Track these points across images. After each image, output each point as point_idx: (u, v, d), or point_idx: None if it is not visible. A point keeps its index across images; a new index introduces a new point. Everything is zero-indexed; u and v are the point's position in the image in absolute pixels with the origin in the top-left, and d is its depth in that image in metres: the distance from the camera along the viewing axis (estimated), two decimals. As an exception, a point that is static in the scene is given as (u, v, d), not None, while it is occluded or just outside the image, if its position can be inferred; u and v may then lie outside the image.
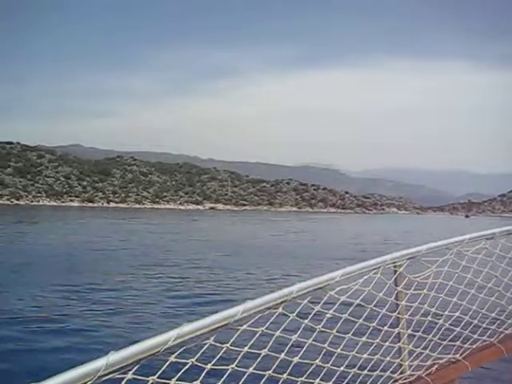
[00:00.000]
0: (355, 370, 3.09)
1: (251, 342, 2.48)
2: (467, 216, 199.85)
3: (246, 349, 2.47)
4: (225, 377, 2.34)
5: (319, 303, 2.81)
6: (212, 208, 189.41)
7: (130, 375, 1.96)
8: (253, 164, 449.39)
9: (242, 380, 2.44)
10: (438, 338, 3.54)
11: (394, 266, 3.26)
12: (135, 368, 1.97)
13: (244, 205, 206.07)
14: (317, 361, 2.84)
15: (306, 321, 2.76)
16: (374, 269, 3.08)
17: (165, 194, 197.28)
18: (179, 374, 2.15)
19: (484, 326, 3.79)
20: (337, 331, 2.97)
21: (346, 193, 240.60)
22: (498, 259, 3.79)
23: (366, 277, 3.02)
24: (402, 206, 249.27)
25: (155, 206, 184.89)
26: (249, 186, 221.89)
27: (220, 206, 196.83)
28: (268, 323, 2.52)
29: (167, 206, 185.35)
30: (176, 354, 2.10)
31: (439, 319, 3.55)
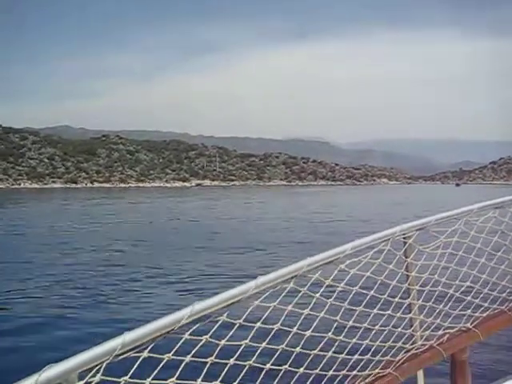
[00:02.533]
0: (367, 341, 3.12)
1: (264, 317, 2.52)
2: (458, 185, 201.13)
3: (258, 324, 2.49)
4: (239, 352, 2.37)
5: (330, 277, 2.81)
6: (199, 184, 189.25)
7: (145, 354, 1.99)
8: (242, 139, 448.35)
9: (256, 354, 2.47)
10: (449, 308, 3.58)
11: (404, 238, 3.27)
12: (150, 346, 2.00)
13: (232, 180, 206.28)
14: (329, 334, 2.87)
15: (317, 295, 2.78)
16: (384, 241, 3.09)
17: (151, 171, 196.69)
18: (194, 351, 2.18)
19: (494, 294, 3.82)
20: (348, 304, 2.99)
21: (336, 165, 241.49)
22: (508, 228, 3.81)
23: (375, 249, 3.03)
24: (393, 177, 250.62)
25: (140, 184, 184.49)
26: (237, 161, 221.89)
27: (207, 182, 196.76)
28: (280, 298, 2.55)
29: (153, 185, 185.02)
30: (190, 331, 2.12)
31: (449, 289, 3.58)
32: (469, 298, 3.69)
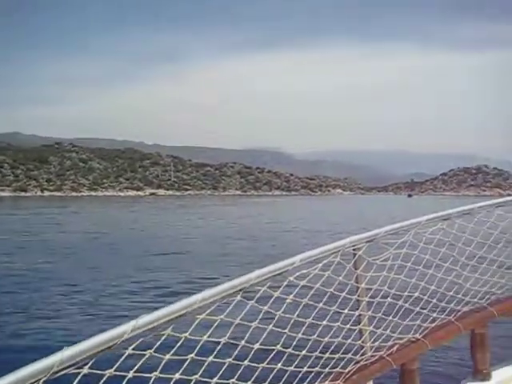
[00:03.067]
0: (317, 353, 3.13)
1: (210, 330, 2.48)
2: (410, 195, 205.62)
3: (205, 338, 2.45)
4: (184, 366, 2.34)
5: (279, 289, 2.80)
6: (153, 194, 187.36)
7: (85, 370, 1.94)
8: (198, 148, 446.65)
9: (202, 369, 2.42)
10: (398, 319, 3.63)
11: (353, 250, 3.30)
12: (91, 362, 1.95)
13: (187, 189, 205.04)
14: (278, 346, 2.85)
15: (265, 307, 2.76)
16: (333, 253, 3.12)
17: (104, 180, 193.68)
18: (137, 366, 2.13)
19: (442, 304, 3.90)
20: (297, 316, 2.99)
21: (291, 175, 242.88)
22: (455, 239, 3.88)
23: (325, 261, 3.05)
24: (347, 187, 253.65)
25: (93, 193, 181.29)
26: (192, 171, 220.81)
27: (161, 192, 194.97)
28: (227, 311, 2.52)
29: (106, 193, 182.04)
30: (133, 346, 2.08)
31: (399, 300, 3.65)
32: (418, 308, 3.76)
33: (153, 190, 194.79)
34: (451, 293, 3.96)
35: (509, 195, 5.37)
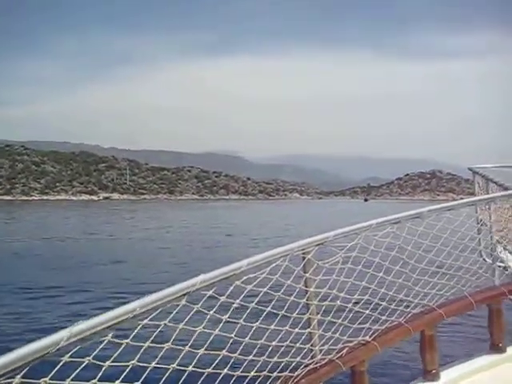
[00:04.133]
0: (264, 357, 3.11)
1: (153, 336, 2.42)
2: (366, 200, 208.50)
3: (147, 343, 2.40)
4: (125, 373, 2.27)
5: (225, 294, 2.77)
6: (107, 198, 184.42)
7: (17, 379, 1.87)
8: (156, 152, 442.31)
9: (144, 375, 2.36)
10: (348, 322, 3.65)
11: (303, 253, 3.29)
12: (24, 371, 1.88)
13: (143, 194, 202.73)
14: (223, 351, 2.82)
15: (211, 312, 2.72)
16: (282, 256, 3.10)
17: (57, 184, 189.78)
18: (74, 374, 2.06)
19: (392, 307, 3.94)
20: (244, 320, 2.97)
21: (248, 179, 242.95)
22: (405, 242, 3.93)
23: (273, 265, 3.03)
24: (304, 191, 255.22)
25: (44, 197, 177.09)
26: (149, 175, 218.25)
27: (116, 196, 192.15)
28: (170, 317, 2.48)
29: (58, 197, 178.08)
30: (70, 353, 2.00)
31: (348, 303, 3.66)
32: (367, 311, 3.79)
33: (107, 194, 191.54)
34: (401, 295, 4.01)
35: (461, 199, 5.51)
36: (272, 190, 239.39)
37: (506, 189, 5.35)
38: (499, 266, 5.06)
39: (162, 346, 2.48)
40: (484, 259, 5.06)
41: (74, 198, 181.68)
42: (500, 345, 4.62)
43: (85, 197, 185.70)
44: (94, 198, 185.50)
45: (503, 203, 5.14)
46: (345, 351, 3.61)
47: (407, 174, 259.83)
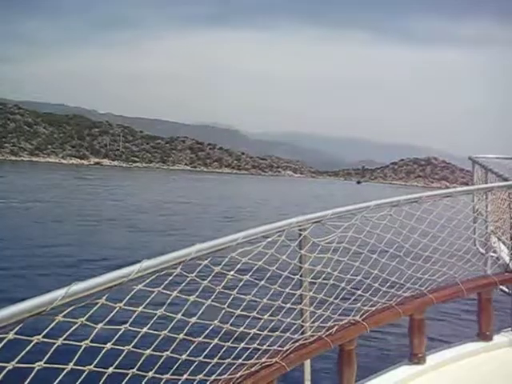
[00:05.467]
0: (255, 330, 3.13)
1: (146, 302, 2.42)
2: (359, 182, 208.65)
3: (140, 308, 2.40)
4: (116, 337, 2.28)
5: (220, 265, 2.78)
6: (98, 163, 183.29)
7: (11, 335, 1.87)
8: (151, 120, 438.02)
9: (135, 340, 2.38)
10: (340, 301, 3.68)
11: (299, 230, 3.31)
12: (18, 327, 1.89)
13: (135, 161, 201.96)
14: (215, 321, 2.83)
15: (205, 282, 2.73)
16: (278, 231, 3.11)
17: (49, 146, 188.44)
18: (66, 334, 2.07)
19: (384, 289, 3.98)
20: (238, 292, 2.97)
21: (242, 153, 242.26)
22: (401, 226, 3.95)
23: (269, 239, 3.04)
24: (298, 170, 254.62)
25: (34, 159, 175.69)
26: (142, 143, 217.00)
27: (107, 162, 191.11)
28: (165, 283, 2.48)
29: (48, 160, 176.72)
30: (64, 313, 2.01)
31: (341, 282, 3.68)
32: (359, 291, 3.83)
33: (98, 160, 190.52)
34: (393, 278, 4.04)
35: (455, 187, 5.53)
36: (266, 166, 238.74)
37: (505, 179, 5.37)
38: (492, 256, 5.11)
39: (155, 312, 2.48)
40: (478, 248, 5.11)
41: (64, 161, 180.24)
42: (487, 333, 4.69)
43: (75, 161, 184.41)
44: (85, 162, 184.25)
45: (500, 194, 5.16)
46: (334, 329, 3.64)
47: (402, 160, 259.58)
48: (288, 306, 3.33)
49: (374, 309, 3.92)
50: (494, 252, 5.23)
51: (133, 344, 2.35)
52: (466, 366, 4.38)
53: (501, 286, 4.90)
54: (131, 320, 2.32)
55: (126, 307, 2.29)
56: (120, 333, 2.30)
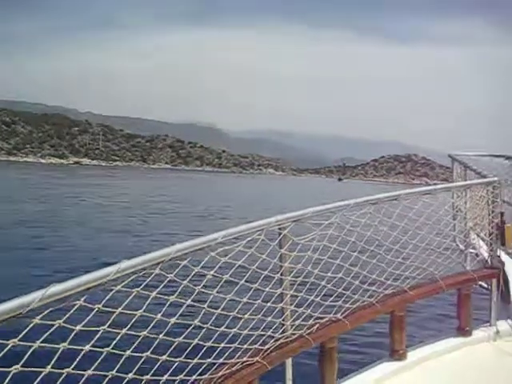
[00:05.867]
0: (235, 329, 3.13)
1: (125, 302, 2.42)
2: (340, 179, 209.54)
3: (119, 309, 2.39)
4: (96, 338, 2.26)
5: (200, 264, 2.78)
6: (77, 163, 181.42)
7: None
8: (131, 119, 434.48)
9: (115, 341, 2.36)
10: (321, 299, 3.69)
11: (279, 228, 3.31)
12: None
13: (115, 160, 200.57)
14: (196, 321, 2.83)
15: (185, 281, 2.72)
16: (258, 230, 3.11)
17: (27, 145, 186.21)
18: (44, 336, 2.05)
19: (364, 286, 4.00)
20: (218, 292, 2.96)
21: (224, 151, 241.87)
22: (381, 224, 3.98)
23: (249, 238, 3.04)
24: (279, 168, 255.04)
25: (12, 158, 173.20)
26: (122, 141, 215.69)
27: (86, 161, 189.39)
28: (144, 285, 2.47)
29: (26, 159, 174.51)
30: (42, 315, 1.98)
31: (322, 280, 3.69)
32: (340, 289, 3.83)
33: (77, 159, 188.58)
34: (374, 276, 4.07)
35: (435, 184, 5.58)
36: (247, 164, 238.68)
37: (484, 177, 5.42)
38: (471, 253, 5.16)
39: (134, 313, 2.47)
40: (457, 245, 5.17)
41: (43, 160, 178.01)
42: (467, 328, 4.74)
43: (54, 160, 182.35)
44: (64, 161, 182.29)
45: (479, 191, 5.21)
46: (315, 327, 3.65)
47: (383, 156, 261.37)
48: (269, 304, 3.33)
49: (354, 306, 3.94)
50: (474, 248, 5.29)
51: (112, 345, 2.33)
52: (447, 361, 4.42)
53: (480, 282, 4.95)
54: (110, 321, 2.30)
55: (104, 308, 2.27)
56: (98, 334, 2.28)
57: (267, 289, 3.33)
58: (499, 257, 4.97)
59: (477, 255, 5.22)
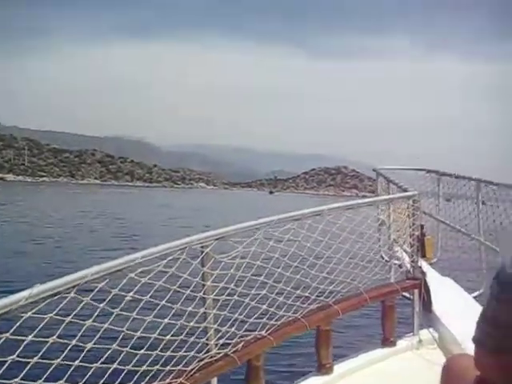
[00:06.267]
0: (157, 351, 3.06)
1: (38, 329, 2.31)
2: (271, 192, 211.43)
3: (30, 337, 2.28)
4: (3, 369, 2.16)
5: (118, 286, 2.71)
6: (1, 179, 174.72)
7: None
8: (59, 133, 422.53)
9: (25, 370, 2.25)
10: (245, 316, 3.69)
11: (201, 247, 3.28)
12: None
13: (42, 176, 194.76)
14: (114, 345, 2.74)
15: (101, 305, 2.64)
16: (180, 249, 3.07)
17: None
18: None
19: (289, 302, 4.02)
20: (138, 314, 2.89)
21: (155, 166, 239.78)
22: (304, 239, 4.01)
23: (170, 258, 2.99)
24: (211, 182, 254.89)
25: None
26: (49, 156, 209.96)
27: (10, 177, 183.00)
28: (58, 309, 2.39)
29: None
30: None
31: (246, 298, 3.67)
32: (265, 306, 3.84)
33: (1, 175, 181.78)
34: (298, 291, 4.09)
35: (364, 196, 5.67)
36: (178, 178, 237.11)
37: (405, 190, 5.58)
38: (395, 264, 5.29)
39: (47, 339, 2.37)
40: (382, 257, 5.28)
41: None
42: (391, 339, 4.85)
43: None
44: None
45: (400, 204, 5.36)
46: (240, 345, 3.63)
47: (313, 169, 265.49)
48: (192, 324, 3.29)
49: (279, 323, 3.94)
50: (398, 260, 5.42)
51: (21, 376, 2.22)
52: (372, 373, 4.49)
53: (404, 293, 5.07)
54: (20, 349, 2.19)
55: (14, 337, 2.16)
56: (5, 365, 2.16)
57: (189, 308, 3.29)
58: (421, 268, 5.10)
59: (400, 266, 5.35)
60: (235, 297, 3.60)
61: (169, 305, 3.10)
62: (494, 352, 1.89)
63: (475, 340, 1.95)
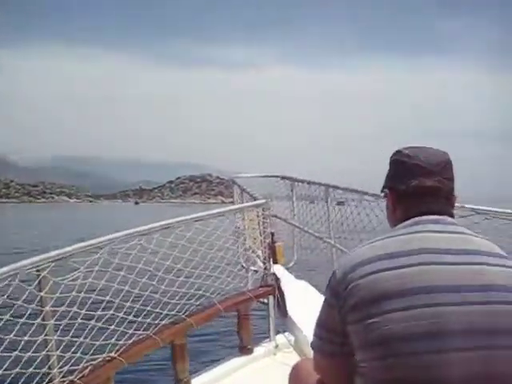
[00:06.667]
0: None
1: None
2: (137, 203, 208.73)
3: None
4: None
5: None
6: None
7: None
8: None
9: None
10: (92, 339, 3.54)
11: (37, 271, 3.09)
12: None
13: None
14: None
15: None
16: (10, 275, 2.87)
17: None
18: None
19: (140, 320, 3.92)
20: None
21: (11, 181, 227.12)
22: (152, 255, 3.92)
23: (0, 285, 2.78)
24: (74, 194, 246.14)
25: None
26: None
27: None
28: None
29: None
30: None
31: (91, 320, 3.54)
32: (113, 326, 3.72)
33: None
34: (149, 307, 4.00)
35: (231, 203, 5.72)
36: (38, 192, 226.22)
37: (255, 199, 5.66)
38: (252, 271, 5.36)
39: None
40: (242, 265, 5.33)
41: None
42: (248, 346, 4.89)
43: None
44: None
45: (252, 212, 5.44)
46: (88, 370, 3.47)
47: (178, 178, 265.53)
48: (30, 354, 3.08)
49: (130, 342, 3.81)
50: (254, 266, 5.49)
51: None
52: (231, 382, 4.49)
53: (262, 299, 5.14)
54: None
55: None
56: None
57: (26, 338, 3.08)
58: (274, 274, 5.19)
59: (256, 272, 5.42)
60: (79, 319, 3.44)
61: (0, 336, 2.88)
62: (328, 356, 1.94)
63: (311, 344, 2.00)
